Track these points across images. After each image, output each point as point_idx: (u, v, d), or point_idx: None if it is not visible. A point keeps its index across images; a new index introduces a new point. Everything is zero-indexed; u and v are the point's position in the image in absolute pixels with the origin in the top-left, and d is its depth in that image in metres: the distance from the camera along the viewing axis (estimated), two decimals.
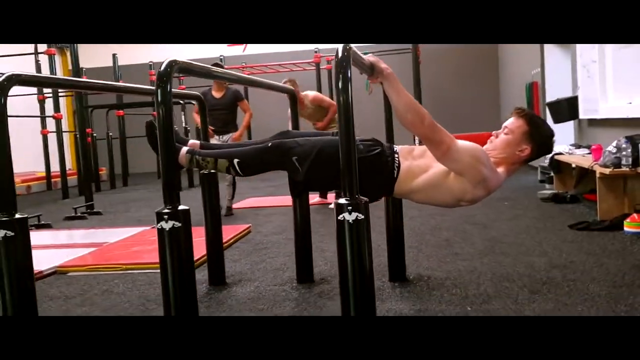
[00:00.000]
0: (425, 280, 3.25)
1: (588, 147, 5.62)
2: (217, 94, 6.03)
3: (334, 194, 6.36)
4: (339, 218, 1.64)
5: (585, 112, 5.94)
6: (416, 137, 4.23)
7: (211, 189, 3.40)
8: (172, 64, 1.74)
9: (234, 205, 6.91)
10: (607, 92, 5.36)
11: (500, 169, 2.38)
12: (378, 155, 2.36)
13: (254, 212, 6.29)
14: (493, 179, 2.29)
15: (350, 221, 1.62)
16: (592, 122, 5.96)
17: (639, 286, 2.90)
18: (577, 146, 5.97)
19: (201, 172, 3.37)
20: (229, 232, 4.95)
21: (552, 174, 6.43)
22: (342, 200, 1.64)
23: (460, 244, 4.13)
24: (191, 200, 7.29)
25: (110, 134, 10.95)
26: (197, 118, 5.75)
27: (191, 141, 2.65)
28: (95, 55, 12.95)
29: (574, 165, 5.88)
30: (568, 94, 6.89)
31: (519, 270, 3.34)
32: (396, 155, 2.40)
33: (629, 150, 4.27)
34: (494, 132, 2.49)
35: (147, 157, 13.57)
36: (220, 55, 12.05)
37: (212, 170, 2.50)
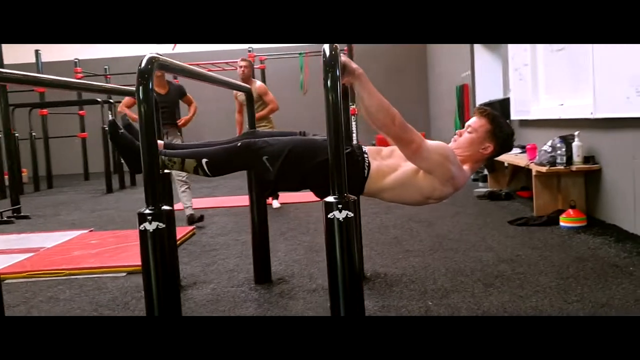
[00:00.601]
0: (382, 277, 3.30)
1: (520, 146, 5.87)
2: (160, 91, 5.65)
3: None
4: (328, 216, 1.64)
5: (516, 113, 6.20)
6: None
7: (164, 189, 3.31)
8: (153, 60, 1.69)
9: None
10: (539, 94, 5.63)
11: (465, 167, 2.46)
12: (350, 154, 2.38)
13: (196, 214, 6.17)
14: (460, 176, 2.37)
15: (341, 219, 1.63)
16: (523, 123, 6.23)
17: (584, 277, 3.06)
18: None
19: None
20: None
21: (485, 172, 6.68)
22: (332, 199, 1.65)
23: (409, 241, 4.22)
24: (130, 202, 7.09)
25: (34, 133, 10.47)
26: (130, 112, 5.55)
27: (157, 142, 2.57)
28: (17, 51, 12.34)
29: (506, 164, 6.13)
30: (499, 96, 7.17)
31: (470, 265, 3.46)
32: (365, 155, 2.43)
33: (564, 149, 4.49)
34: (457, 130, 2.56)
35: (71, 157, 13.13)
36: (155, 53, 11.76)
37: (178, 170, 2.44)
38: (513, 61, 6.14)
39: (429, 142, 2.30)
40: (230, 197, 7.20)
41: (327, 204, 1.65)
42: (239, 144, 2.41)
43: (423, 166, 2.31)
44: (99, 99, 8.95)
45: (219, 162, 2.39)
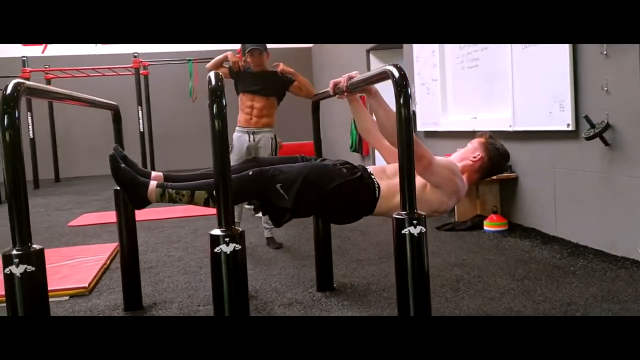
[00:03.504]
0: (350, 287, 3.37)
1: None
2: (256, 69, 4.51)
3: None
4: (402, 232, 1.69)
5: (423, 125, 6.55)
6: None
7: (127, 206, 3.15)
8: (18, 86, 1.55)
9: (74, 223, 6.37)
10: (448, 108, 6.00)
11: (464, 177, 2.60)
12: (360, 177, 2.44)
13: (104, 229, 5.85)
14: (463, 188, 2.50)
15: (415, 234, 1.69)
16: (430, 134, 6.60)
17: (535, 278, 3.34)
18: None
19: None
20: (101, 251, 4.60)
21: None
22: (403, 215, 1.70)
23: (353, 250, 4.33)
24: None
25: None
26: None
27: (154, 173, 2.45)
28: None
29: None
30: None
31: None
32: (373, 177, 2.49)
33: None
34: (464, 152, 2.68)
35: None
36: (23, 56, 10.93)
37: (186, 204, 2.35)
38: (419, 76, 6.49)
39: (438, 158, 2.41)
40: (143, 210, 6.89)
41: (399, 220, 1.70)
42: (250, 173, 2.37)
43: (432, 180, 2.41)
44: None
45: (231, 193, 2.34)
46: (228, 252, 1.60)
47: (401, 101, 1.71)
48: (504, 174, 4.84)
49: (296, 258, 4.18)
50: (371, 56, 8.55)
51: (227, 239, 1.60)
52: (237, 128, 4.51)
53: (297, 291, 3.35)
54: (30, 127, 10.81)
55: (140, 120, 10.66)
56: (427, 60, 6.27)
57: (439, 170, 2.38)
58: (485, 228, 4.70)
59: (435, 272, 3.57)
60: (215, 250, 1.61)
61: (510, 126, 4.68)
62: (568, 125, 3.98)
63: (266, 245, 4.60)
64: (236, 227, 1.66)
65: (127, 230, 3.16)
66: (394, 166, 2.60)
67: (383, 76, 1.92)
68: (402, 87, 1.72)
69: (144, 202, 2.35)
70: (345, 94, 2.52)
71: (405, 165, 1.70)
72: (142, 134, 10.69)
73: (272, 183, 2.35)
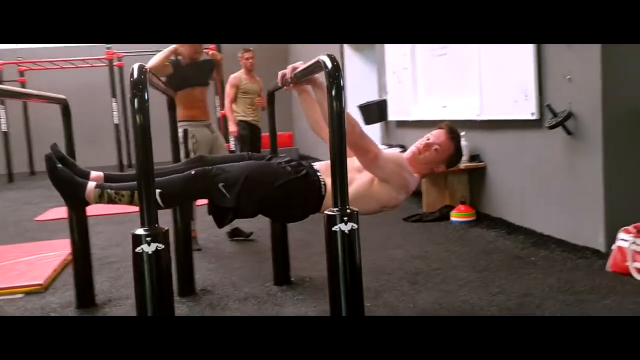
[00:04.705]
0: (308, 281, 3.33)
1: (400, 145, 6.17)
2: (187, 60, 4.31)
3: None
4: (333, 229, 1.64)
5: (394, 114, 6.50)
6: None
7: None
8: (143, 70, 1.57)
9: (42, 218, 6.26)
10: (418, 96, 5.95)
11: (416, 174, 2.54)
12: (305, 175, 2.38)
13: (66, 224, 5.73)
14: (412, 183, 2.45)
15: (346, 231, 1.63)
16: (401, 124, 6.55)
17: (496, 269, 3.31)
18: (389, 145, 6.51)
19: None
20: (61, 246, 4.50)
21: None
22: (335, 211, 1.64)
23: (316, 243, 4.27)
24: None
25: None
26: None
27: (94, 173, 2.38)
28: None
29: None
30: (373, 97, 7.46)
31: (387, 263, 3.58)
32: (319, 174, 2.44)
33: None
34: (423, 143, 2.57)
35: None
36: None
37: (126, 204, 2.29)
38: (390, 65, 6.43)
39: (385, 151, 2.36)
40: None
41: (331, 216, 1.64)
42: (192, 172, 2.32)
43: (379, 175, 2.36)
44: None
45: (173, 193, 2.28)
46: (150, 252, 1.54)
47: (333, 93, 1.64)
48: (472, 164, 4.81)
49: (259, 251, 4.13)
50: (345, 47, 8.47)
51: (148, 239, 1.53)
52: (191, 123, 4.24)
53: (255, 285, 3.30)
54: (2, 120, 10.63)
55: (115, 113, 10.52)
56: (397, 48, 6.20)
57: (386, 165, 2.33)
58: (452, 219, 4.67)
59: (397, 265, 3.54)
60: (137, 250, 1.55)
61: (477, 115, 4.64)
62: (532, 114, 3.94)
63: (230, 240, 4.52)
64: (160, 226, 1.60)
65: (78, 226, 3.09)
66: None
67: (318, 66, 1.85)
68: (335, 78, 1.66)
69: (82, 203, 2.29)
70: (291, 85, 2.45)
71: (337, 161, 1.64)
72: (116, 127, 10.56)
73: (215, 182, 2.30)
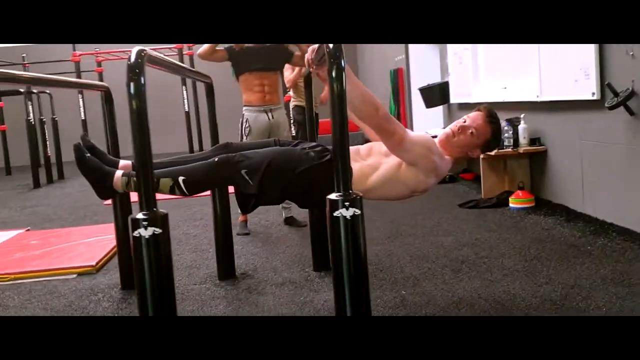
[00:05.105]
0: None
1: None
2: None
3: None
4: (334, 214, 1.57)
5: (456, 96, 6.30)
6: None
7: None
8: (142, 54, 1.56)
9: (108, 202, 6.49)
10: (479, 77, 5.73)
11: (447, 157, 2.43)
12: (329, 161, 2.32)
13: (135, 207, 5.91)
14: (442, 166, 2.35)
15: (348, 217, 1.57)
16: (463, 106, 6.33)
17: (546, 259, 3.14)
18: None
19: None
20: None
21: None
22: (336, 196, 1.58)
23: (367, 228, 4.19)
24: (61, 198, 6.76)
25: None
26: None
27: (122, 162, 2.43)
28: None
29: None
30: (436, 79, 7.26)
31: (433, 250, 3.47)
32: None
33: (510, 132, 4.60)
34: (459, 125, 2.45)
35: None
36: None
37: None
38: (452, 45, 6.22)
39: (412, 133, 2.27)
40: None
41: (332, 201, 1.58)
42: (216, 160, 2.31)
43: (406, 158, 2.27)
44: (21, 90, 8.45)
45: (197, 180, 2.29)
46: (147, 237, 1.53)
47: (333, 74, 1.57)
48: (533, 147, 4.58)
49: (306, 236, 4.10)
50: None
51: (145, 223, 1.53)
52: (248, 108, 4.30)
53: (294, 270, 3.28)
54: (81, 109, 11.08)
55: (185, 101, 10.75)
56: None
57: (412, 147, 2.23)
58: (511, 205, 4.48)
59: (442, 252, 3.42)
60: (134, 234, 1.54)
61: (537, 96, 4.40)
62: (593, 94, 3.69)
63: (282, 224, 4.53)
64: (159, 211, 1.58)
65: (122, 212, 3.15)
66: (368, 146, 2.48)
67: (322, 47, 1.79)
68: (336, 58, 1.59)
69: (110, 192, 2.34)
70: (314, 67, 2.38)
71: (339, 144, 1.57)
72: (187, 114, 10.78)
73: (237, 169, 2.29)
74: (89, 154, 2.30)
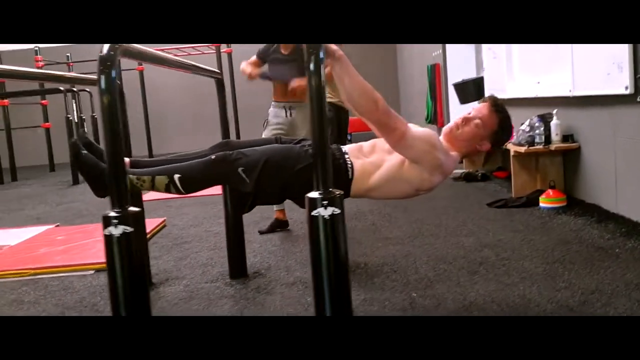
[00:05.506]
0: (362, 267, 3.18)
1: None
2: (285, 51, 4.26)
3: None
4: (312, 214, 1.50)
5: (491, 92, 6.10)
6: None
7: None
8: (115, 47, 1.51)
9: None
10: (513, 72, 5.53)
11: (453, 153, 2.33)
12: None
13: (165, 204, 5.98)
14: (448, 163, 2.25)
15: (326, 217, 1.49)
16: None
17: (570, 261, 2.98)
18: None
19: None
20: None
21: None
22: (315, 194, 1.50)
23: (388, 227, 4.11)
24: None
25: None
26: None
27: None
28: None
29: None
30: (471, 74, 7.08)
31: (452, 251, 3.35)
32: (347, 156, 2.30)
33: (542, 128, 4.41)
34: (463, 117, 2.37)
35: (35, 149, 12.74)
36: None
37: (148, 191, 2.29)
38: None
39: (414, 129, 2.17)
40: None
41: (311, 200, 1.50)
42: (213, 157, 2.27)
43: (408, 155, 2.17)
44: (61, 88, 8.64)
45: (192, 178, 2.25)
46: (117, 235, 1.49)
47: (311, 67, 1.49)
48: (565, 144, 4.38)
49: None
50: None
51: (115, 221, 1.48)
52: (272, 103, 4.32)
53: (307, 269, 3.18)
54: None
55: None
56: None
57: (414, 143, 2.14)
58: (541, 205, 4.29)
59: (462, 253, 3.30)
60: (105, 232, 1.50)
61: (570, 91, 4.21)
62: (626, 88, 3.49)
63: (303, 222, 4.47)
64: (132, 209, 1.53)
65: (232, 203, 3.11)
66: (371, 143, 2.39)
67: None
68: (315, 49, 1.51)
69: (106, 189, 2.30)
70: None
71: (318, 140, 1.49)
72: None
73: (234, 167, 2.23)
74: (85, 151, 2.27)
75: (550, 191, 4.29)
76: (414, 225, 4.08)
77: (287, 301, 2.75)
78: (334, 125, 6.65)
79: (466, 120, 2.33)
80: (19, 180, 10.09)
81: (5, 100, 10.21)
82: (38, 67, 10.43)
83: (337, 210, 1.50)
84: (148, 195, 6.61)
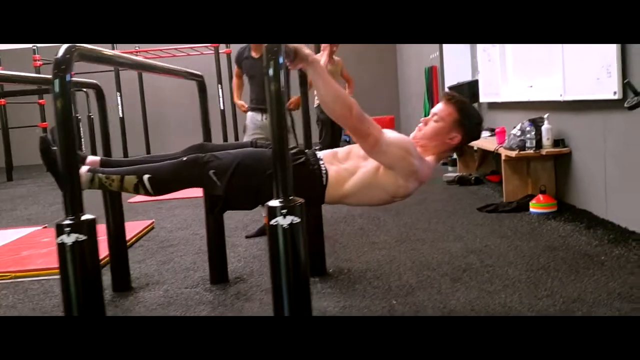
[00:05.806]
0: (345, 273, 3.14)
1: (490, 129, 5.74)
2: (254, 53, 4.29)
3: None
4: (272, 223, 1.46)
5: (485, 95, 6.06)
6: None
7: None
8: (71, 49, 1.48)
9: (133, 200, 6.53)
10: (507, 75, 5.49)
11: (429, 158, 2.29)
12: (303, 164, 2.21)
13: (156, 206, 5.95)
14: (424, 169, 2.20)
15: (285, 226, 1.45)
16: (492, 106, 6.10)
17: (554, 269, 2.93)
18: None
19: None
20: (131, 229, 4.62)
21: (455, 156, 6.55)
22: (276, 203, 1.46)
23: (375, 231, 4.06)
24: (92, 194, 6.85)
25: None
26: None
27: (90, 158, 2.36)
28: None
29: (476, 148, 6.00)
30: (467, 78, 7.03)
31: (437, 257, 3.31)
32: (321, 162, 2.26)
33: (533, 133, 4.36)
34: (423, 119, 2.38)
35: (32, 148, 12.70)
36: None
37: (117, 191, 2.24)
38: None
39: (388, 135, 2.12)
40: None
41: (270, 208, 1.46)
42: (184, 159, 2.23)
43: (383, 161, 2.13)
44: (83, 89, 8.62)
45: (162, 178, 2.20)
46: (70, 243, 1.45)
47: (270, 72, 1.45)
48: (556, 149, 4.33)
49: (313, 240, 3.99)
50: None
51: (68, 229, 1.44)
52: (249, 107, 4.36)
53: None
54: (119, 107, 11.26)
55: (221, 99, 10.78)
56: None
57: (389, 149, 2.09)
58: (531, 210, 4.24)
59: (447, 259, 3.25)
60: (57, 241, 1.46)
61: (561, 95, 4.16)
62: (614, 93, 3.44)
63: None
64: (86, 217, 1.50)
65: (113, 211, 3.11)
66: (346, 149, 2.35)
67: None
68: (273, 54, 1.46)
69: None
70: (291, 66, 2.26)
71: (277, 146, 1.45)
72: (222, 112, 10.80)
73: (206, 170, 2.18)
74: (55, 147, 2.23)
75: (540, 196, 4.24)
76: (402, 230, 4.04)
77: (265, 307, 2.70)
78: (327, 127, 6.62)
79: (426, 121, 2.34)
80: (14, 180, 10.07)
81: (2, 100, 10.19)
82: (36, 66, 10.41)
83: (297, 219, 1.46)
84: (140, 197, 6.59)
